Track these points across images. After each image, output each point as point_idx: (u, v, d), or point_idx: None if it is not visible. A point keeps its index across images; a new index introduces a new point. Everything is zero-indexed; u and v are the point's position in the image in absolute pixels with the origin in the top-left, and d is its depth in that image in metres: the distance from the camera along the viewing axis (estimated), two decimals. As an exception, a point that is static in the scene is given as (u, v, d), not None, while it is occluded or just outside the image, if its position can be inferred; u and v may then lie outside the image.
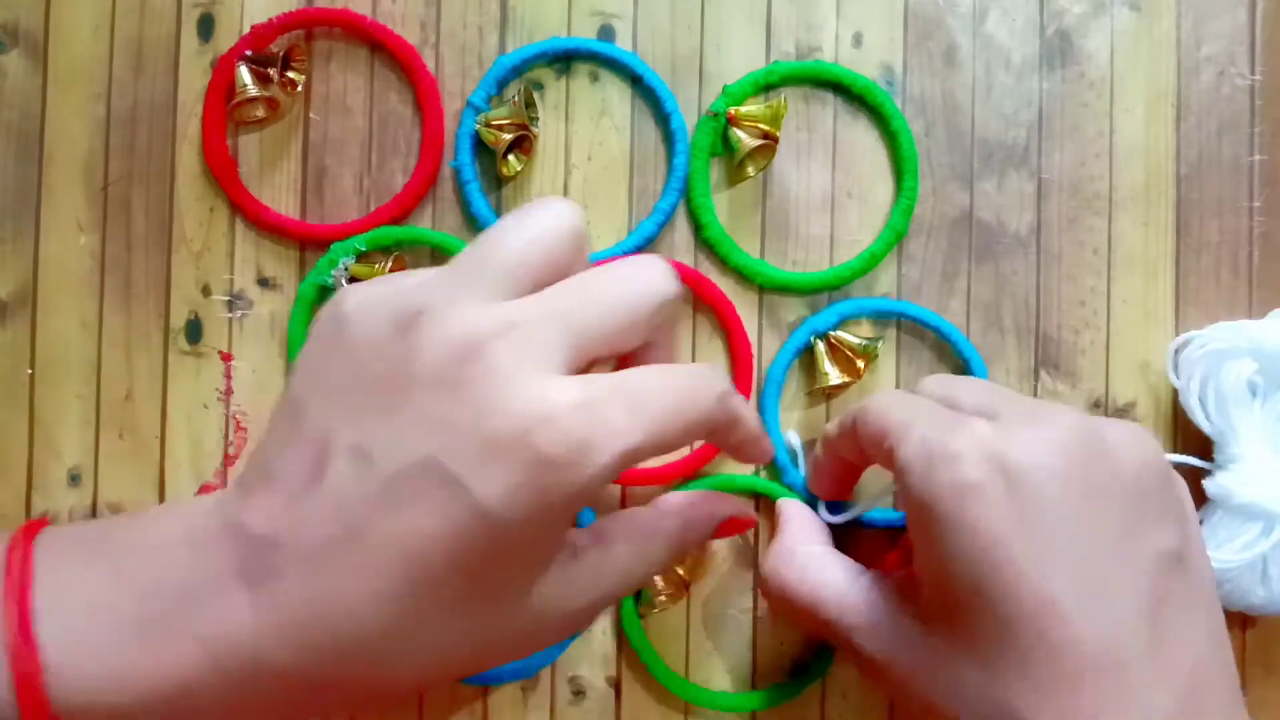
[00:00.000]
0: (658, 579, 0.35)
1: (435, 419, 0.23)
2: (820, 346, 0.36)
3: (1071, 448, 0.26)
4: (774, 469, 0.37)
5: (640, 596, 0.36)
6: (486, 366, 0.23)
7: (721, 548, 0.37)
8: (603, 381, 0.23)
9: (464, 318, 0.23)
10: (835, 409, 0.37)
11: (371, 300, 0.24)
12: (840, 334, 0.36)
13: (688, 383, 0.25)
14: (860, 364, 0.36)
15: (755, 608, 0.37)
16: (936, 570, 0.27)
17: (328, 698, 0.25)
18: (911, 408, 0.29)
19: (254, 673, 0.24)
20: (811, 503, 0.36)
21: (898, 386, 0.37)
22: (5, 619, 0.23)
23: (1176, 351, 0.36)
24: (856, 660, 0.30)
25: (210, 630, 0.23)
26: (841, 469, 0.34)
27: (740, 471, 0.37)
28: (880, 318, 0.37)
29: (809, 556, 0.32)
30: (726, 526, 0.31)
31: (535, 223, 0.25)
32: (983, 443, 0.26)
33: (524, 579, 0.25)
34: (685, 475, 0.36)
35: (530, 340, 0.23)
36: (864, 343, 0.36)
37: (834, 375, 0.36)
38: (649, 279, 0.25)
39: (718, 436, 0.27)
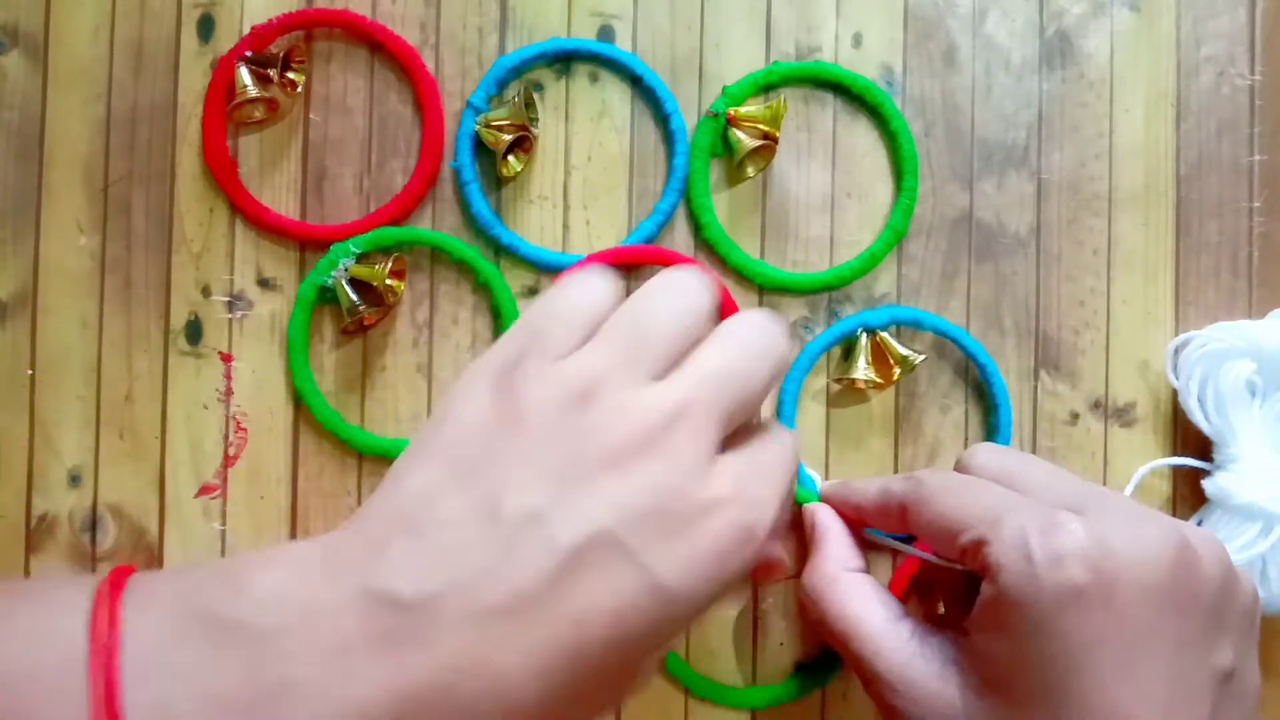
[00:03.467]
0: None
1: (612, 496, 0.23)
2: (865, 341, 0.36)
3: (1168, 558, 0.26)
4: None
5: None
6: (663, 453, 0.24)
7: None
8: (745, 461, 0.25)
9: (638, 403, 0.24)
10: (841, 414, 0.37)
11: (541, 373, 0.25)
12: (887, 336, 0.36)
13: (790, 453, 0.27)
14: (895, 372, 0.36)
15: (755, 608, 0.37)
16: (1012, 660, 0.27)
17: None
18: (990, 497, 0.28)
19: None
20: None
21: (899, 407, 0.37)
22: (91, 688, 0.21)
23: (1176, 352, 0.37)
24: (870, 692, 0.30)
25: (336, 707, 0.21)
26: (861, 519, 0.34)
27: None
28: (935, 332, 0.37)
29: (852, 585, 0.31)
30: (760, 570, 0.30)
31: (684, 298, 0.26)
32: (1086, 546, 0.26)
33: (657, 655, 0.26)
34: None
35: (699, 426, 0.25)
36: (908, 354, 0.36)
37: (865, 372, 0.36)
38: (779, 349, 0.27)
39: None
